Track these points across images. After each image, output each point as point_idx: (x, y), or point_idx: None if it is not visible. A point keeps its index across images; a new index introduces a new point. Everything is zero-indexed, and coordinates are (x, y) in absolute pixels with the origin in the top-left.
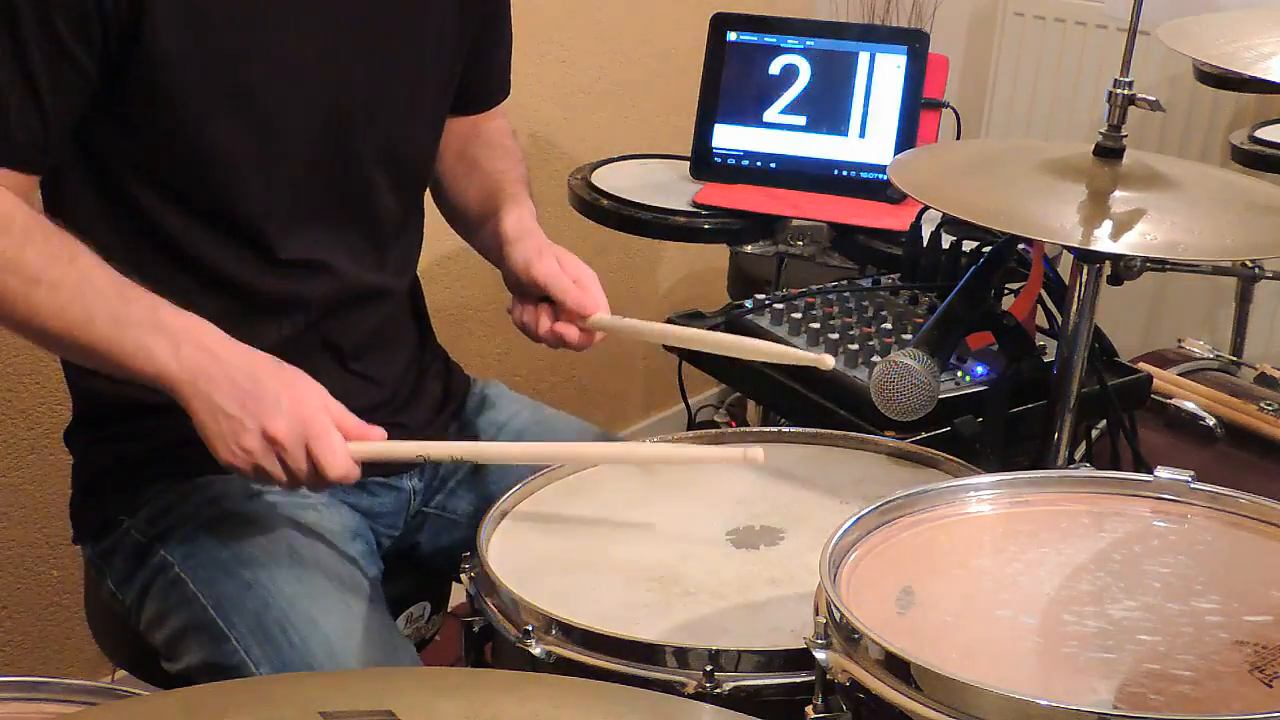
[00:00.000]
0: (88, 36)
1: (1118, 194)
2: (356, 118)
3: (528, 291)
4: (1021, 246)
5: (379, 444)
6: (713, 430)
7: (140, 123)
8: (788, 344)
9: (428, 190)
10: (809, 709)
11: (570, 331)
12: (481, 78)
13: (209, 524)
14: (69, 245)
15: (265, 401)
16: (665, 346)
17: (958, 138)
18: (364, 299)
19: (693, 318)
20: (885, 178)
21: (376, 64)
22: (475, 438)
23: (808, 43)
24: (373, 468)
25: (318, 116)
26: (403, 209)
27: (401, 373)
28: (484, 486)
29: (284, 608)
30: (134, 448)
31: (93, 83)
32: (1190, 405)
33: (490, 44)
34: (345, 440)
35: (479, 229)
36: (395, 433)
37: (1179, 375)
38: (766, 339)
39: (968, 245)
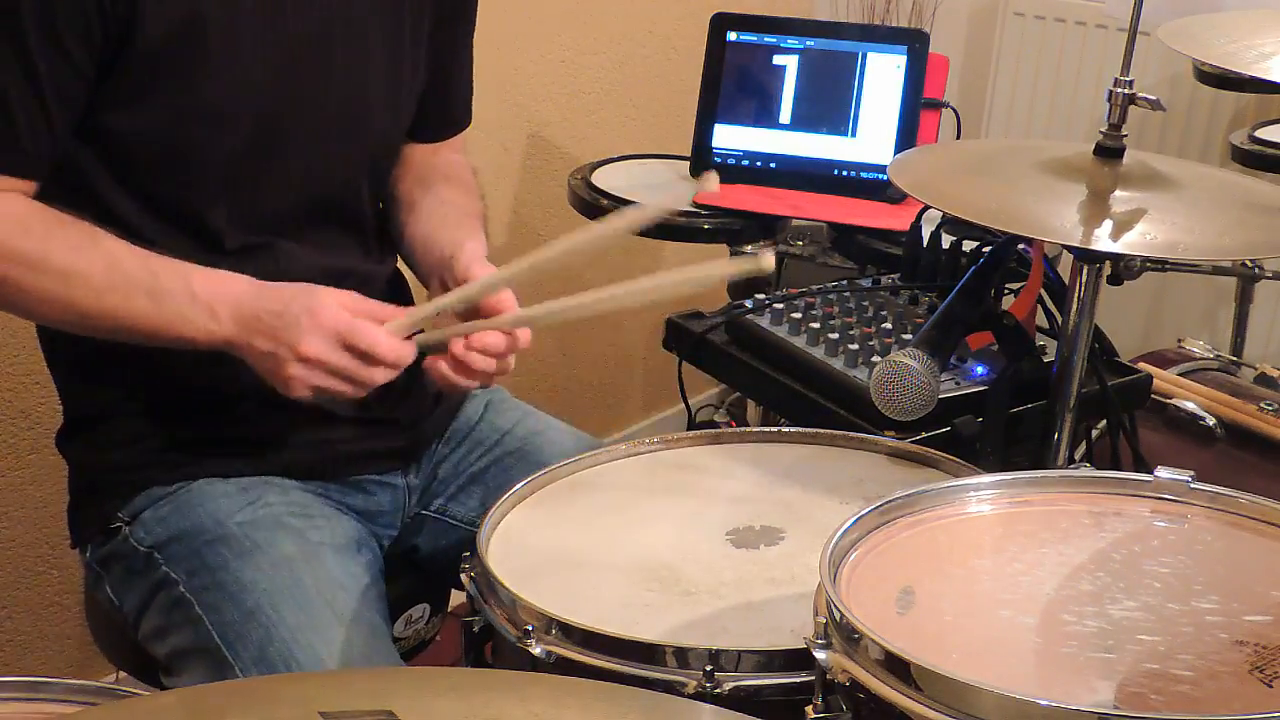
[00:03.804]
0: (89, 42)
1: (1118, 194)
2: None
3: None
4: (1021, 246)
5: (408, 312)
6: (713, 430)
7: (117, 123)
8: (788, 343)
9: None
10: (809, 709)
11: (491, 338)
12: (443, 105)
13: (212, 542)
14: (86, 231)
15: (291, 328)
16: (665, 347)
17: (958, 138)
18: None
19: (693, 318)
20: (885, 178)
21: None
22: (477, 443)
23: (807, 43)
24: (366, 464)
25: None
26: (379, 202)
27: None
28: (484, 489)
29: (286, 639)
30: (125, 453)
31: (91, 87)
32: (1190, 405)
33: (452, 69)
34: (380, 325)
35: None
36: (391, 427)
37: (1179, 375)
38: (767, 339)
39: (968, 245)
